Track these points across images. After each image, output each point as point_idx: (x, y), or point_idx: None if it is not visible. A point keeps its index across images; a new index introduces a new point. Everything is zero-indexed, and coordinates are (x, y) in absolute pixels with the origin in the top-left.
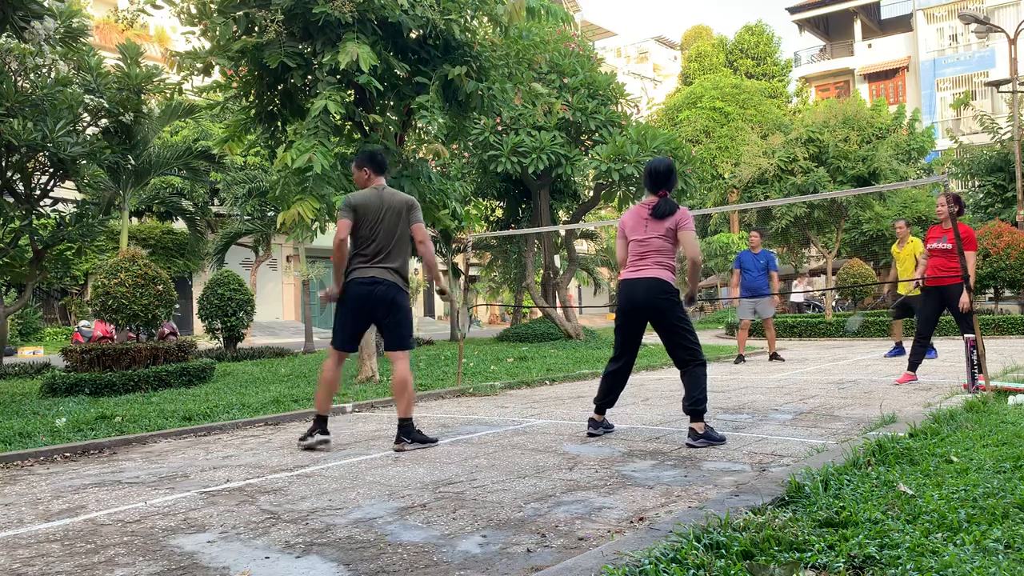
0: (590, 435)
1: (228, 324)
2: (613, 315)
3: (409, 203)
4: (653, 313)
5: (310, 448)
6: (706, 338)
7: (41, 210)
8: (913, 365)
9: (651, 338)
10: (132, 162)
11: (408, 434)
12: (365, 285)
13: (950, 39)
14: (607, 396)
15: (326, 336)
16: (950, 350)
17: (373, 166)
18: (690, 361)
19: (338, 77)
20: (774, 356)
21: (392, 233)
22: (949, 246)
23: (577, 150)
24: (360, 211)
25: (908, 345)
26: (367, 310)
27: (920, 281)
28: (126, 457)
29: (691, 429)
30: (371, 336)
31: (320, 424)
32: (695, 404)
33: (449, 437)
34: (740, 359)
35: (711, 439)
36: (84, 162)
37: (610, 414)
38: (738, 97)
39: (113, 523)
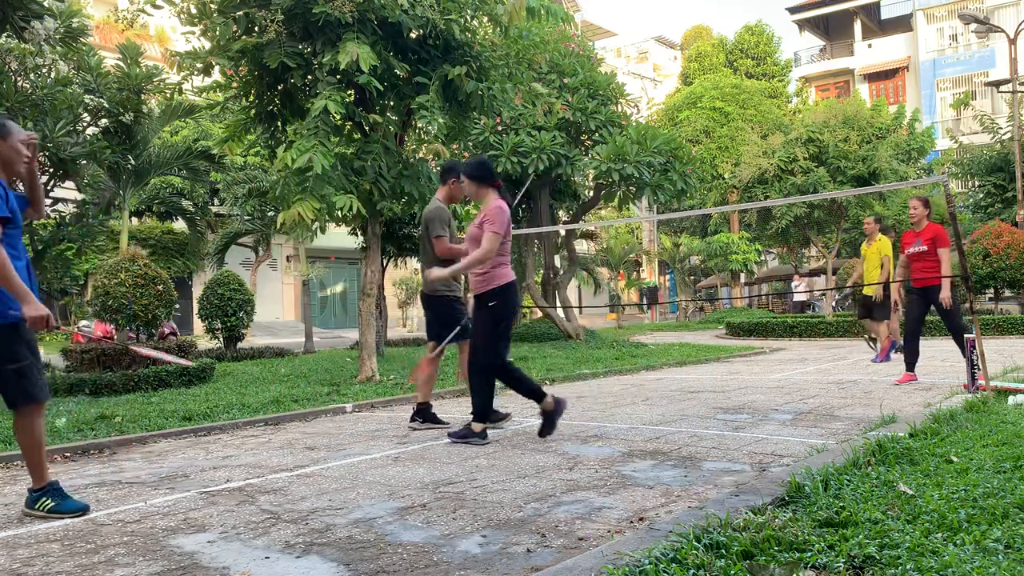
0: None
1: (228, 324)
2: (614, 315)
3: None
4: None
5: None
6: (706, 338)
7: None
8: (910, 365)
9: (651, 338)
10: (132, 162)
11: (420, 414)
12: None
13: (950, 39)
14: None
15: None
16: (950, 350)
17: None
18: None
19: (338, 77)
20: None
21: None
22: (925, 248)
23: (577, 150)
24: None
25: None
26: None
27: (907, 283)
28: (126, 457)
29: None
30: (371, 337)
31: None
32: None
33: (449, 437)
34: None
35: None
36: (84, 162)
37: (611, 414)
38: (738, 97)
39: (113, 523)
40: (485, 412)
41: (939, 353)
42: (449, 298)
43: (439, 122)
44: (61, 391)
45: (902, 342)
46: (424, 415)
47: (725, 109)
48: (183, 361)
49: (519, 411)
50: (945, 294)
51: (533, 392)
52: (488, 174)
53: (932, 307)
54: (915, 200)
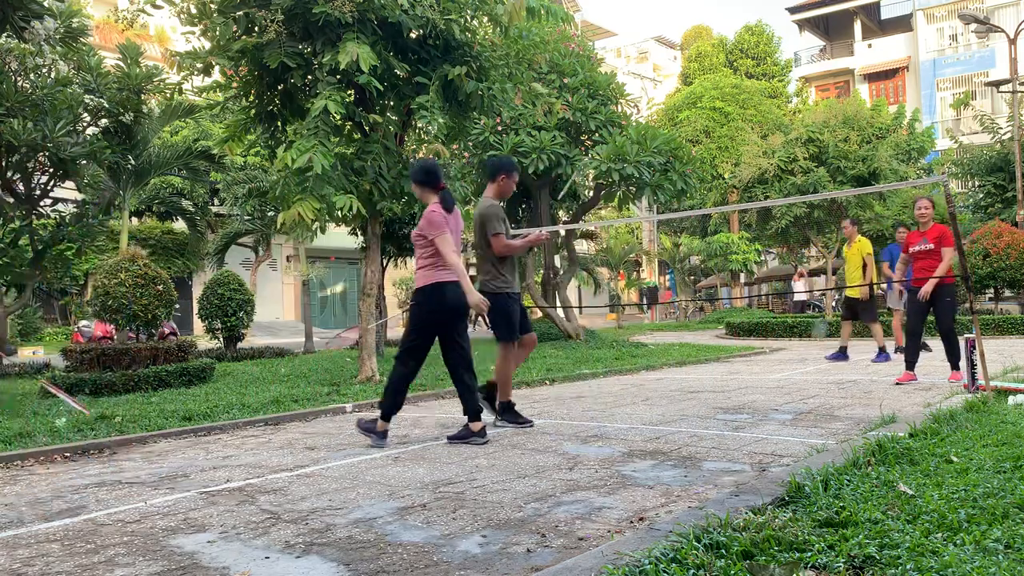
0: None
1: (228, 324)
2: (614, 315)
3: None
4: (462, 315)
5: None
6: (706, 338)
7: (41, 210)
8: (910, 364)
9: (651, 338)
10: (132, 162)
11: (499, 411)
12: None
13: (950, 39)
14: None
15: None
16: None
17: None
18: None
19: (338, 77)
20: (897, 349)
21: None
22: (931, 246)
23: (577, 150)
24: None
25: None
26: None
27: (906, 283)
28: (126, 457)
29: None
30: (371, 337)
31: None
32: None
33: (448, 440)
34: (897, 350)
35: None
36: (84, 162)
37: (611, 414)
38: (738, 97)
39: (113, 523)
40: (476, 409)
41: (939, 353)
42: (505, 294)
43: (439, 122)
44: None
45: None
46: (507, 413)
47: (725, 109)
48: (79, 406)
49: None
50: (926, 290)
51: (385, 407)
52: (431, 178)
53: (932, 306)
54: (925, 200)
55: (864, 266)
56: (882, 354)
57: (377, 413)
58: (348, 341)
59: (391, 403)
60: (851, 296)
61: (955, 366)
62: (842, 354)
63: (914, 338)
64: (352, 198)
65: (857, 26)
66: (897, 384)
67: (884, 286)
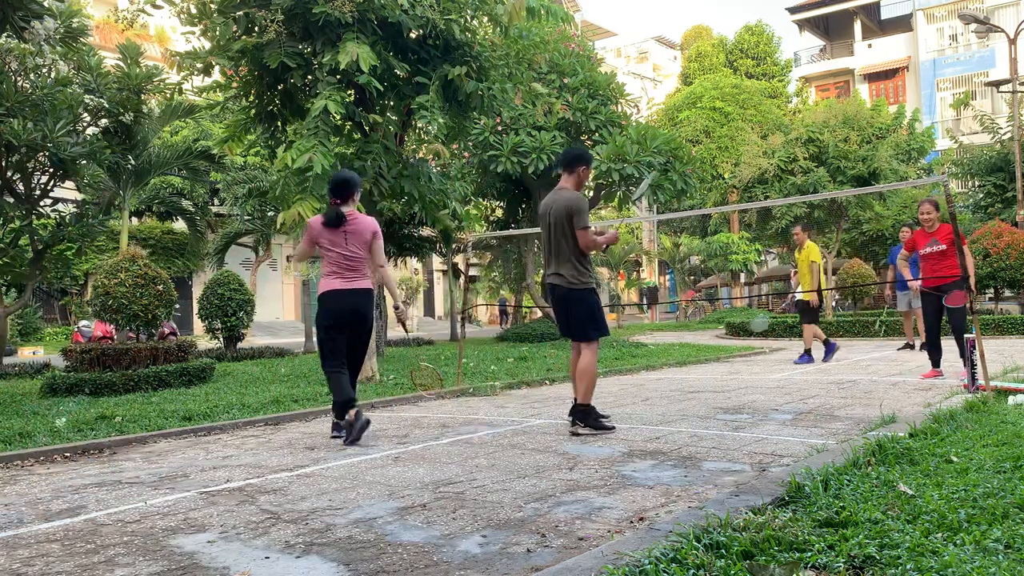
0: (334, 437)
1: (228, 324)
2: (614, 315)
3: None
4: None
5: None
6: (706, 338)
7: (41, 210)
8: (935, 362)
9: (651, 338)
10: (132, 162)
11: (583, 418)
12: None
13: (950, 39)
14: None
15: None
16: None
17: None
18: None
19: (338, 77)
20: (910, 346)
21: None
22: (944, 247)
23: None
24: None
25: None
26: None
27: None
28: (126, 457)
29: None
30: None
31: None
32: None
33: (449, 437)
34: (908, 346)
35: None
36: (84, 162)
37: (611, 414)
38: (738, 97)
39: (113, 523)
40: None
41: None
42: (592, 289)
43: (439, 122)
44: (61, 391)
45: (925, 340)
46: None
47: (725, 109)
48: None
49: (519, 412)
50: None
51: (337, 405)
52: (337, 189)
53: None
54: (927, 204)
55: (812, 272)
56: (806, 355)
57: (369, 413)
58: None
59: (338, 400)
60: (804, 300)
61: (936, 364)
62: (808, 356)
63: (934, 337)
64: None
65: (857, 26)
66: (923, 379)
67: (890, 289)
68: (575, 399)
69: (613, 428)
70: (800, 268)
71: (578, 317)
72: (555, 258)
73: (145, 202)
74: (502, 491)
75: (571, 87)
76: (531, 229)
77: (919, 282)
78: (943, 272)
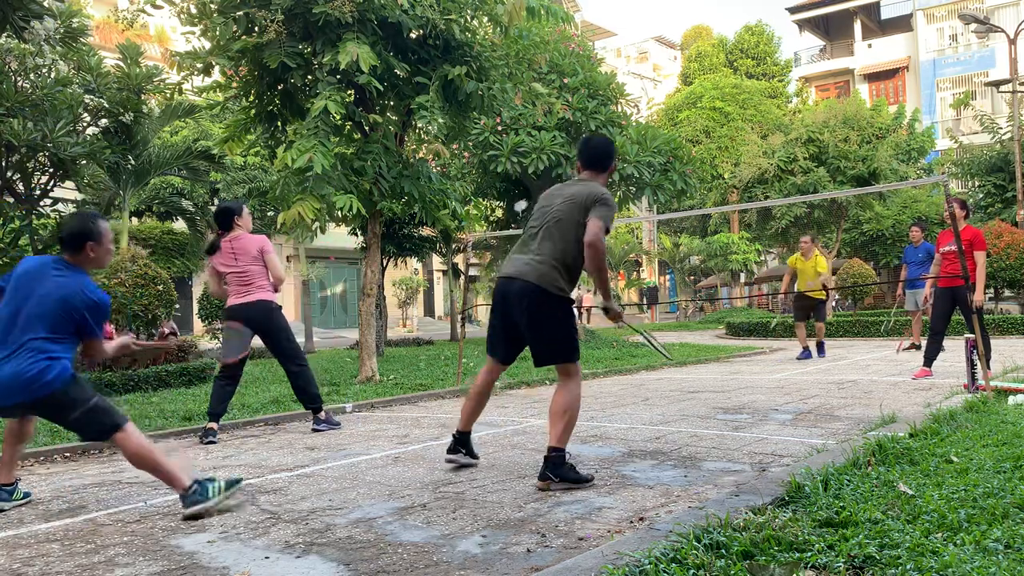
0: (209, 442)
1: None
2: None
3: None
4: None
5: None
6: (706, 338)
7: (41, 210)
8: (929, 361)
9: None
10: (132, 162)
11: (556, 469)
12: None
13: (950, 39)
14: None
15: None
16: (951, 348)
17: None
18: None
19: (338, 77)
20: (916, 347)
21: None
22: (961, 247)
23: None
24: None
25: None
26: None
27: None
28: None
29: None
30: (371, 337)
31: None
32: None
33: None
34: (915, 347)
35: (331, 423)
36: (84, 162)
37: (611, 414)
38: (738, 97)
39: (113, 523)
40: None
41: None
42: (567, 299)
43: (439, 122)
44: None
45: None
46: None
47: (725, 109)
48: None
49: (519, 412)
50: (979, 296)
51: (208, 412)
52: (217, 219)
53: (957, 307)
54: (955, 202)
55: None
56: (805, 352)
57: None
58: None
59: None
60: (810, 296)
61: (928, 363)
62: (807, 353)
63: (938, 336)
64: (352, 198)
65: (857, 26)
66: (913, 379)
67: (901, 289)
68: (549, 445)
69: (592, 479)
70: (804, 275)
71: (556, 332)
72: (536, 247)
73: (145, 202)
74: (502, 491)
75: (571, 87)
76: None
77: (929, 280)
78: (957, 272)
